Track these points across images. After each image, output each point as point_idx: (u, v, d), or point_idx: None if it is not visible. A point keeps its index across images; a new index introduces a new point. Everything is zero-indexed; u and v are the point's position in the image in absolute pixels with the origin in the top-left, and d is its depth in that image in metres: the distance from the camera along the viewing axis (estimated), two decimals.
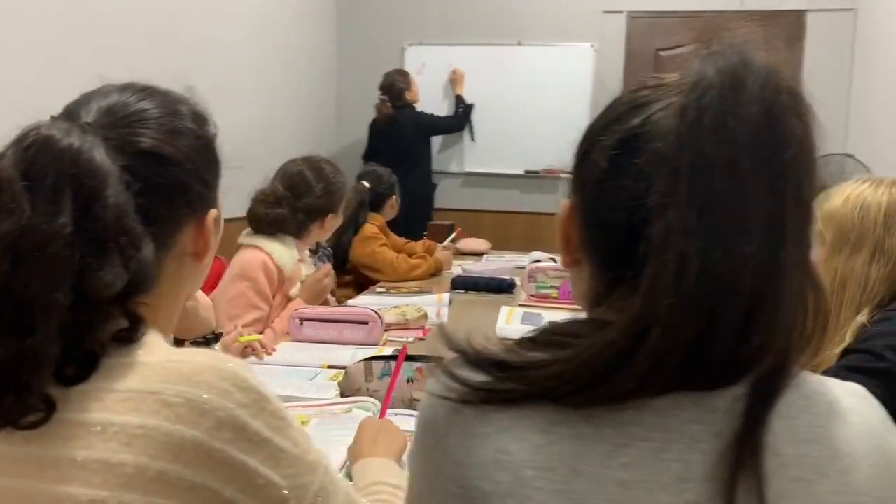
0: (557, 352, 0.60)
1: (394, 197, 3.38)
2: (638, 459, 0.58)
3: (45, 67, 2.47)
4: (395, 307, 2.25)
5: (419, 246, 3.61)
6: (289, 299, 2.15)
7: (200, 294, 1.19)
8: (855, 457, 0.60)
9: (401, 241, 3.64)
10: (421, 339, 2.10)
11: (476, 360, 0.62)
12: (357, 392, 1.45)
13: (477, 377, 0.61)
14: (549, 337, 0.63)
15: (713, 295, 0.56)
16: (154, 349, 0.69)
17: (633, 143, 0.63)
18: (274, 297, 2.12)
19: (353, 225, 3.19)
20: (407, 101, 4.91)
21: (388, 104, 4.87)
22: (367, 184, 3.30)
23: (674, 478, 0.58)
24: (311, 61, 5.17)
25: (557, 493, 0.58)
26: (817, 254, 1.40)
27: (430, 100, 5.40)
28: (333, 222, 2.28)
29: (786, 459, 0.58)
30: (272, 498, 0.66)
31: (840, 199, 1.40)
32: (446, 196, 5.37)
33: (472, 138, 5.34)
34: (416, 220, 4.03)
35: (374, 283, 3.06)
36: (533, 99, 5.25)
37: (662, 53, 5.13)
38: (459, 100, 5.19)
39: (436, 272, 3.16)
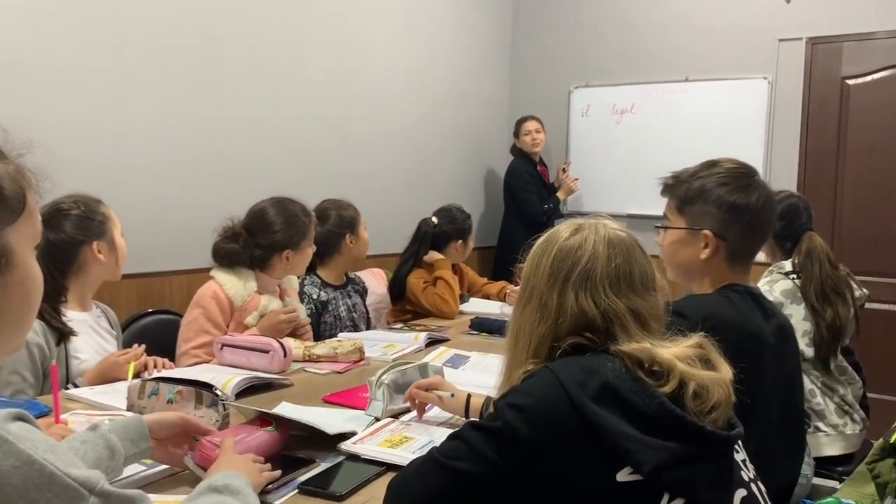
0: None
1: (459, 241, 3.41)
2: None
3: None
4: (338, 341, 2.37)
5: (495, 287, 3.62)
6: (245, 327, 2.38)
7: None
8: None
9: (481, 280, 3.70)
10: (338, 373, 2.20)
11: None
12: (132, 408, 1.64)
13: None
14: None
15: None
16: None
17: None
18: (228, 324, 2.37)
19: (412, 258, 3.32)
20: (517, 147, 5.00)
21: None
22: (434, 220, 3.40)
23: None
24: (484, 106, 5.42)
25: None
26: None
27: (594, 141, 5.34)
28: (298, 258, 2.48)
29: None
30: None
31: (533, 247, 1.27)
32: None
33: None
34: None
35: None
36: (701, 137, 4.91)
37: (850, 82, 4.50)
38: (554, 199, 5.00)
39: None
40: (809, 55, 4.60)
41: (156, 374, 1.90)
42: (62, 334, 1.92)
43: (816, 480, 2.34)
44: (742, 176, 1.66)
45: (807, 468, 2.32)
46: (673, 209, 1.70)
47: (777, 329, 1.64)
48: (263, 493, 1.25)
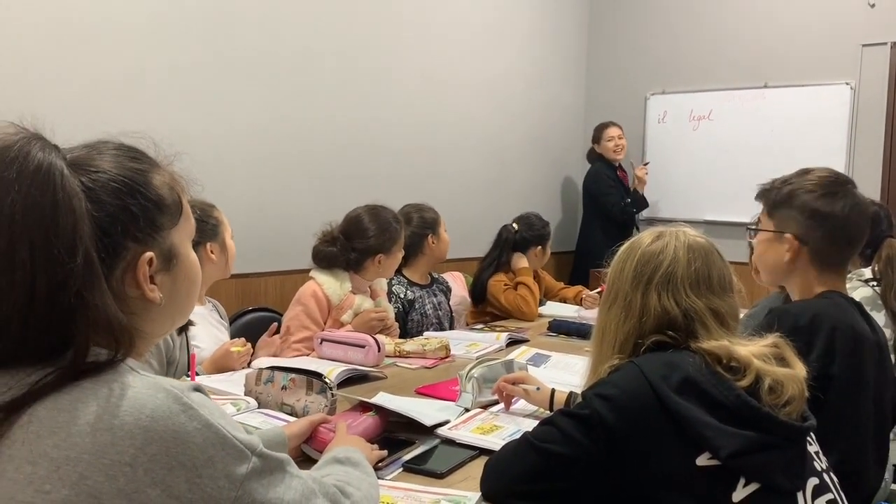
0: None
1: (538, 248, 3.52)
2: None
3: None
4: (426, 339, 2.52)
5: (571, 291, 3.72)
6: (341, 324, 2.56)
7: None
8: (108, 427, 0.80)
9: (558, 284, 3.80)
10: (427, 368, 2.35)
11: None
12: (249, 393, 1.82)
13: None
14: None
15: None
16: None
17: None
18: (326, 321, 2.55)
19: (494, 263, 3.46)
20: (595, 152, 5.04)
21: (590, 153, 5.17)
22: (515, 226, 3.53)
23: None
24: (560, 114, 5.53)
25: None
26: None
27: (670, 148, 5.37)
28: (389, 261, 2.65)
29: (33, 419, 0.82)
30: None
31: (617, 253, 1.38)
32: None
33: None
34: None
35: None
36: (780, 144, 4.89)
37: None
38: (635, 193, 5.02)
39: None
40: (894, 60, 4.53)
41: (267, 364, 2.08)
42: (183, 324, 2.12)
43: (895, 486, 2.36)
44: (831, 184, 1.71)
45: (885, 473, 2.35)
46: (764, 213, 1.77)
47: (879, 341, 1.69)
48: (375, 469, 1.40)
